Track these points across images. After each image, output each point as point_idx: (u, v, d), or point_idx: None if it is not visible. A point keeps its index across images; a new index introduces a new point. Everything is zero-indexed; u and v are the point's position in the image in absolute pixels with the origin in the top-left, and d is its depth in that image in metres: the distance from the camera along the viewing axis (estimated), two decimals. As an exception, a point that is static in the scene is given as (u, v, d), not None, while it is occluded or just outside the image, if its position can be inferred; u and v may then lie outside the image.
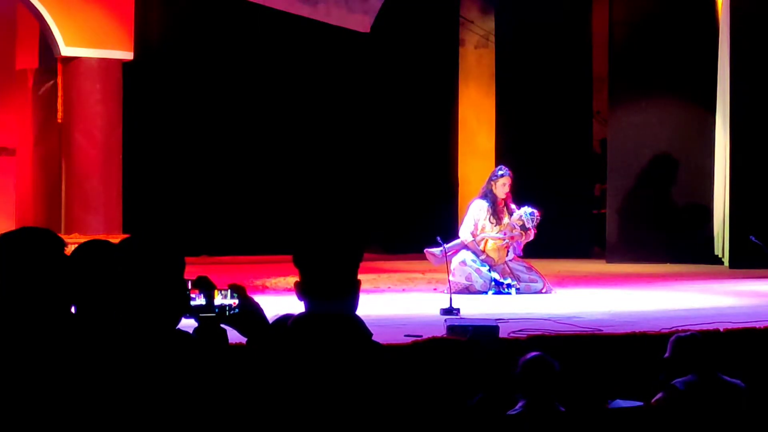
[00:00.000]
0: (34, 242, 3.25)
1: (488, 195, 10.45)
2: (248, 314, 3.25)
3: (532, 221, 10.24)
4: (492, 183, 10.45)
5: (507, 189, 10.39)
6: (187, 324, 3.26)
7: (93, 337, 3.12)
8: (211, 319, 3.21)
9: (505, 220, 10.40)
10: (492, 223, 10.39)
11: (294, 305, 3.43)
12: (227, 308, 3.23)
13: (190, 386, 3.07)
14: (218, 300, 3.24)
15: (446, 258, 9.78)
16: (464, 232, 10.42)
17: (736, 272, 12.41)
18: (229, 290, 3.26)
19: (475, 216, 10.42)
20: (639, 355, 6.54)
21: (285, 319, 3.68)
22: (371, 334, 3.30)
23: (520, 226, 10.27)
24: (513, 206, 10.44)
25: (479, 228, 10.40)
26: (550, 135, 15.54)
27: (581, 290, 10.70)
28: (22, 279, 3.18)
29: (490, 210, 10.39)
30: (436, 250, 10.12)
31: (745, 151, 13.35)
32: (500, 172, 10.53)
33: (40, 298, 3.17)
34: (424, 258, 10.47)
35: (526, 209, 10.30)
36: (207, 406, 3.11)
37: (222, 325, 3.24)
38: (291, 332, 3.29)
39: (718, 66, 13.76)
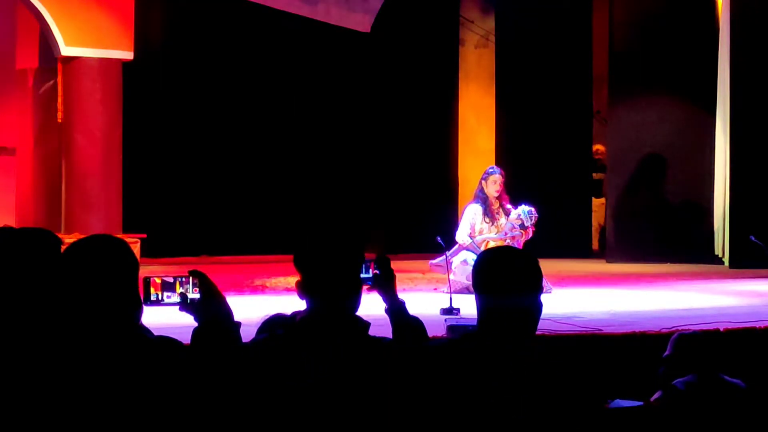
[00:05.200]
0: (30, 241, 3.24)
1: (479, 196, 10.47)
2: (209, 302, 3.16)
3: (531, 219, 10.25)
4: (483, 182, 10.49)
5: (498, 187, 10.39)
6: (187, 323, 3.25)
7: (84, 336, 3.11)
8: (204, 318, 3.17)
9: (501, 220, 10.40)
10: (487, 224, 10.40)
11: (294, 305, 3.43)
12: (188, 298, 3.16)
13: (150, 389, 3.04)
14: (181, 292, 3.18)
15: (447, 260, 9.78)
16: (461, 236, 10.43)
17: (736, 272, 12.42)
18: (190, 278, 3.18)
19: (470, 219, 10.44)
20: (639, 355, 6.55)
21: (276, 319, 3.68)
22: (370, 328, 3.31)
23: (519, 225, 10.28)
24: (509, 206, 10.44)
25: (476, 231, 10.41)
26: (550, 135, 15.55)
27: (581, 290, 10.70)
28: (18, 277, 3.18)
29: (483, 211, 10.41)
30: (440, 260, 10.14)
31: (745, 151, 13.35)
32: (490, 170, 10.59)
33: (36, 297, 3.17)
34: (424, 258, 10.48)
35: (524, 208, 10.31)
36: (196, 407, 3.10)
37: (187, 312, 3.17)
38: (292, 331, 3.29)
39: (718, 66, 13.76)
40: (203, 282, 3.17)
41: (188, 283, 3.17)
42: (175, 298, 3.16)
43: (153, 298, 3.15)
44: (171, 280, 3.16)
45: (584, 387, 3.26)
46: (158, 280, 3.16)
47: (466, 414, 3.15)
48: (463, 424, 3.15)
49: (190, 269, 3.22)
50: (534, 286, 3.28)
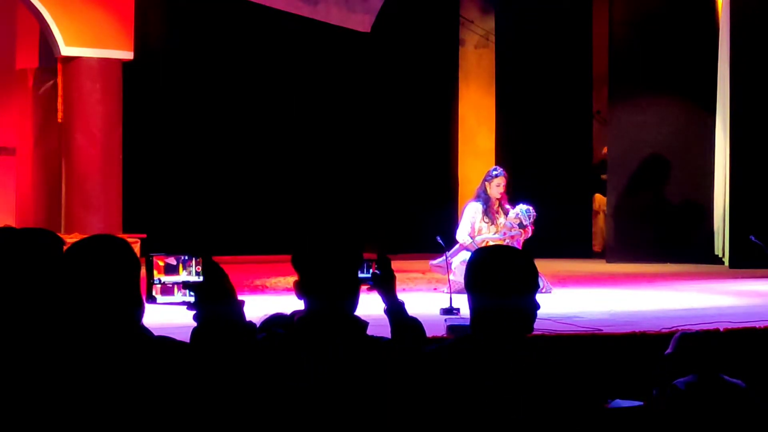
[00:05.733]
0: (33, 241, 3.24)
1: (481, 196, 10.47)
2: (212, 281, 3.14)
3: (529, 218, 10.25)
4: (486, 183, 10.47)
5: (501, 189, 10.40)
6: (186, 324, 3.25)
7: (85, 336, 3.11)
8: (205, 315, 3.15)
9: (500, 219, 10.40)
10: (486, 223, 10.41)
11: (294, 305, 3.43)
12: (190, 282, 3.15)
13: (154, 388, 3.04)
14: (183, 276, 3.17)
15: (447, 261, 9.78)
16: (461, 235, 10.43)
17: (736, 272, 12.42)
18: (193, 260, 3.16)
19: (470, 218, 10.44)
20: (639, 355, 6.54)
21: (276, 318, 3.68)
22: (368, 328, 3.31)
23: (517, 225, 10.28)
24: (507, 206, 10.44)
25: (476, 230, 10.41)
26: (550, 135, 15.55)
27: (581, 290, 10.70)
28: (21, 278, 3.18)
29: (484, 210, 10.41)
30: (440, 260, 10.14)
31: (745, 151, 13.35)
32: (495, 172, 10.56)
33: (39, 298, 3.16)
34: (424, 258, 10.48)
35: (522, 207, 10.32)
36: (197, 406, 3.09)
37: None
38: (291, 331, 3.29)
39: (718, 66, 13.76)
40: (206, 262, 3.17)
41: (191, 264, 3.17)
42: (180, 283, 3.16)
43: (156, 281, 3.14)
44: (174, 262, 3.16)
45: (583, 387, 3.25)
46: (161, 263, 3.15)
47: (464, 414, 3.15)
48: (462, 423, 3.15)
49: (192, 249, 3.21)
50: (528, 286, 3.25)
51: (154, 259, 3.14)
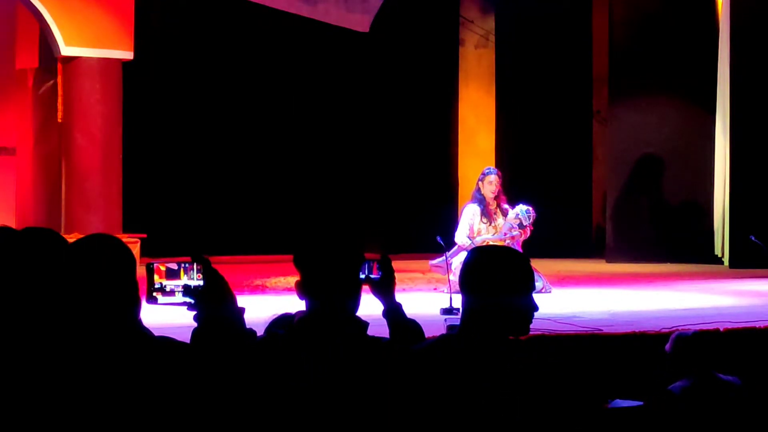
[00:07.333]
0: (38, 242, 3.24)
1: (477, 197, 10.47)
2: (213, 288, 3.14)
3: (529, 218, 10.25)
4: (479, 183, 10.49)
5: (493, 188, 10.38)
6: (187, 324, 3.25)
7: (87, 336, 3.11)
8: (204, 315, 3.16)
9: (499, 220, 10.40)
10: (485, 224, 10.41)
11: (294, 305, 3.43)
12: (192, 287, 3.15)
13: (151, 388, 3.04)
14: (184, 281, 3.16)
15: (447, 261, 9.78)
16: (460, 237, 10.42)
17: (736, 272, 12.43)
18: (194, 265, 3.17)
19: (468, 220, 10.44)
20: (639, 355, 6.54)
21: (283, 318, 3.69)
22: (369, 329, 3.31)
23: (517, 225, 10.28)
24: (506, 206, 10.44)
25: (475, 231, 10.41)
26: (550, 134, 15.56)
27: (581, 290, 10.70)
28: (26, 278, 3.18)
29: (481, 211, 10.41)
30: (440, 260, 10.14)
31: (744, 151, 13.36)
32: (487, 171, 10.58)
33: (41, 298, 3.17)
34: (424, 258, 10.47)
35: (522, 207, 10.32)
36: (196, 405, 3.09)
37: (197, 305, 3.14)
38: (292, 332, 3.29)
39: (718, 66, 13.76)
40: (207, 268, 3.17)
41: (192, 269, 3.17)
42: (180, 288, 3.15)
43: (157, 286, 3.14)
44: (175, 267, 3.16)
45: (583, 387, 3.25)
46: (162, 268, 3.15)
47: (459, 415, 3.15)
48: (457, 424, 3.15)
49: (193, 255, 3.22)
50: (523, 287, 3.23)
51: (155, 265, 3.14)
